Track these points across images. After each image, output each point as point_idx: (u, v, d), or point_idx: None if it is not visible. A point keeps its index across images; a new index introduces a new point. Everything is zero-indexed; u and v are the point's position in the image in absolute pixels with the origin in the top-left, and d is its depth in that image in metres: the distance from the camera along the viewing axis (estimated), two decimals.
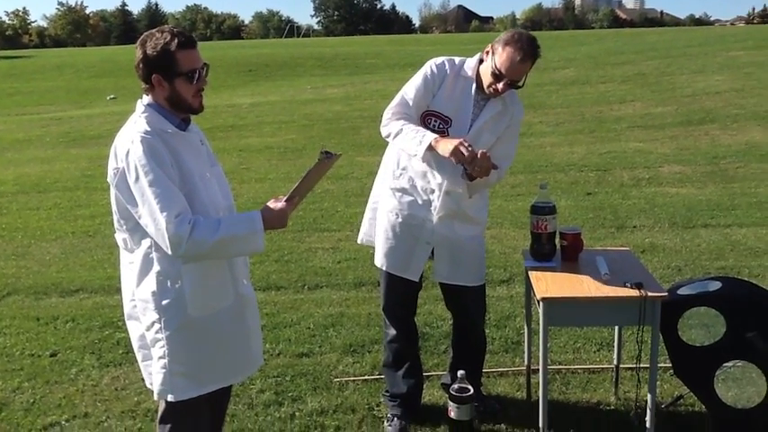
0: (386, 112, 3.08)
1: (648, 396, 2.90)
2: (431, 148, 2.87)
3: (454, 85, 3.03)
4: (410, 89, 3.06)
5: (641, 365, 3.27)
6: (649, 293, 2.77)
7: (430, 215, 3.11)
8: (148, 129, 2.27)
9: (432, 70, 3.05)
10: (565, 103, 14.47)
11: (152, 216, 2.22)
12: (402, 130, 2.98)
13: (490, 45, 2.97)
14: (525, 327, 3.57)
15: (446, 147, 2.81)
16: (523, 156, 9.78)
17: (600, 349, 4.02)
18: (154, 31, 2.33)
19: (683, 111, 12.66)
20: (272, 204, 2.37)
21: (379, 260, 3.26)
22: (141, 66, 2.30)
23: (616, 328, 3.59)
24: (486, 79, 2.97)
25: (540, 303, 2.83)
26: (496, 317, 4.48)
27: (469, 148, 2.78)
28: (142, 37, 2.33)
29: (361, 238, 3.43)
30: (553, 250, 3.17)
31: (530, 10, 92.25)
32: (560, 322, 3.31)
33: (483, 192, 3.22)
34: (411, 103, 3.03)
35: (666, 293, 2.84)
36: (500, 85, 2.92)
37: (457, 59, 3.10)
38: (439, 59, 3.09)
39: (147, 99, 2.36)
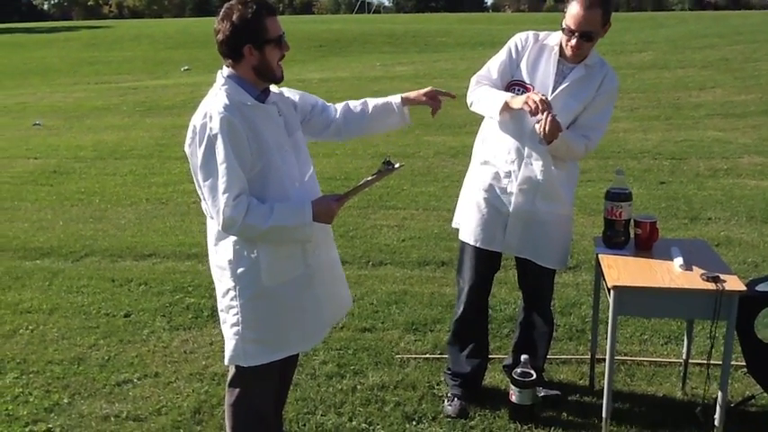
0: (471, 80, 3.17)
1: (719, 394, 2.82)
2: (506, 106, 2.95)
3: (538, 55, 3.09)
4: (495, 61, 3.16)
5: (712, 362, 3.17)
6: (726, 287, 2.68)
7: (511, 186, 3.11)
8: (227, 102, 2.32)
9: (516, 43, 3.14)
10: (641, 87, 14.00)
11: (212, 193, 2.31)
12: (482, 94, 3.10)
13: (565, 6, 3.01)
14: (592, 314, 3.51)
15: (519, 100, 2.91)
16: None
17: (668, 342, 3.92)
18: (234, 3, 2.35)
19: (767, 99, 12.08)
20: (324, 201, 2.44)
21: (466, 234, 3.24)
22: (230, 38, 2.32)
23: (686, 321, 3.49)
24: (563, 40, 3.01)
25: (611, 291, 2.77)
26: (561, 304, 4.42)
27: (543, 97, 2.83)
28: (224, 11, 2.35)
29: (455, 221, 3.40)
30: (627, 238, 3.10)
31: None
32: (630, 311, 3.24)
33: (571, 170, 3.18)
34: (495, 75, 3.14)
35: (745, 288, 2.74)
36: (573, 41, 2.94)
37: (542, 33, 3.15)
38: (524, 33, 3.17)
39: (227, 71, 2.40)
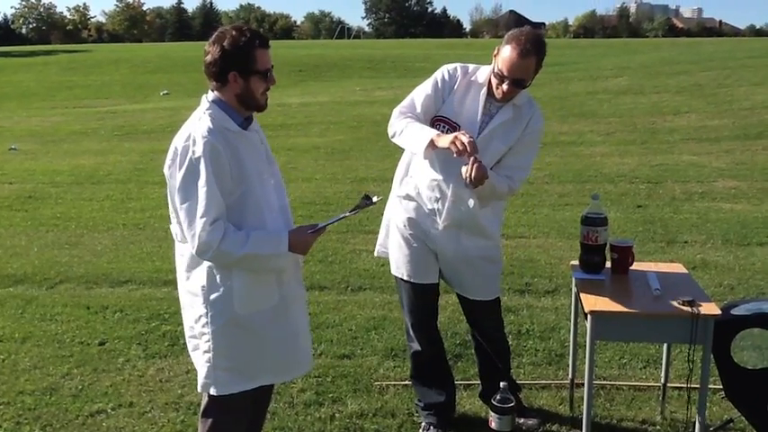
0: (394, 111, 3.05)
1: (697, 418, 2.82)
2: (432, 144, 2.81)
3: (465, 92, 2.99)
4: (420, 93, 3.04)
5: (690, 386, 3.18)
6: (701, 311, 2.69)
7: (435, 224, 3.06)
8: (211, 126, 2.32)
9: (443, 76, 3.03)
10: (617, 112, 14.21)
11: (189, 217, 2.29)
12: (406, 127, 2.95)
13: (497, 47, 2.93)
14: (571, 339, 3.51)
15: (446, 139, 2.76)
16: (573, 165, 9.65)
17: (646, 366, 3.93)
18: (229, 28, 2.35)
19: (740, 124, 12.31)
20: (300, 232, 2.44)
21: (399, 270, 3.20)
22: (218, 62, 2.32)
23: (664, 345, 3.50)
24: (493, 82, 2.92)
25: (588, 316, 2.78)
26: (540, 328, 4.42)
27: (470, 139, 2.70)
28: (217, 34, 2.34)
29: (377, 250, 3.36)
30: (603, 262, 3.11)
31: (583, 16, 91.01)
32: (608, 336, 3.25)
33: (496, 204, 3.14)
34: (419, 108, 3.01)
35: (720, 312, 2.76)
36: (504, 86, 2.87)
37: (471, 66, 3.06)
38: (452, 65, 3.06)
39: (212, 95, 2.40)
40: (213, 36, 2.35)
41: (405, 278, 3.18)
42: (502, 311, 3.39)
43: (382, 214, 3.37)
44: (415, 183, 3.10)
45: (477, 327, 3.33)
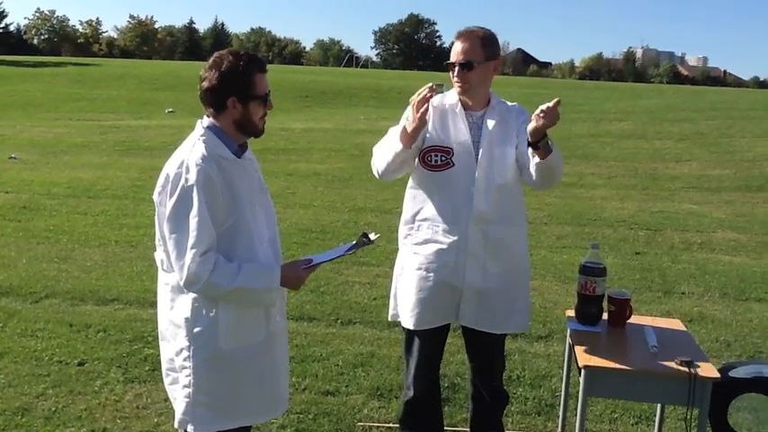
0: (373, 150, 3.07)
1: None
2: (404, 132, 2.84)
3: (442, 118, 2.99)
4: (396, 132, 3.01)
5: None
6: (700, 373, 2.60)
7: (461, 255, 2.95)
8: (206, 154, 2.25)
9: None
10: (619, 156, 14.22)
11: (178, 247, 2.21)
12: (378, 149, 3.01)
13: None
14: (562, 391, 3.40)
15: (410, 119, 2.81)
16: (572, 207, 9.59)
17: (638, 422, 3.82)
18: (225, 53, 2.30)
19: (741, 175, 12.30)
20: (293, 267, 2.38)
21: (413, 321, 3.03)
22: (217, 88, 2.27)
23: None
24: (453, 81, 2.98)
25: (582, 371, 2.68)
26: (531, 375, 4.31)
27: (418, 97, 2.75)
28: (214, 59, 2.29)
29: (390, 315, 3.21)
30: (600, 314, 3.03)
31: (589, 59, 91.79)
32: (602, 393, 3.13)
33: (519, 226, 3.06)
34: None
35: (718, 375, 2.66)
36: (456, 72, 2.92)
37: (436, 96, 3.01)
38: None
39: (207, 121, 2.35)
40: (209, 62, 2.30)
41: (425, 329, 3.03)
42: None
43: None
44: (428, 224, 3.01)
45: (485, 368, 3.19)
